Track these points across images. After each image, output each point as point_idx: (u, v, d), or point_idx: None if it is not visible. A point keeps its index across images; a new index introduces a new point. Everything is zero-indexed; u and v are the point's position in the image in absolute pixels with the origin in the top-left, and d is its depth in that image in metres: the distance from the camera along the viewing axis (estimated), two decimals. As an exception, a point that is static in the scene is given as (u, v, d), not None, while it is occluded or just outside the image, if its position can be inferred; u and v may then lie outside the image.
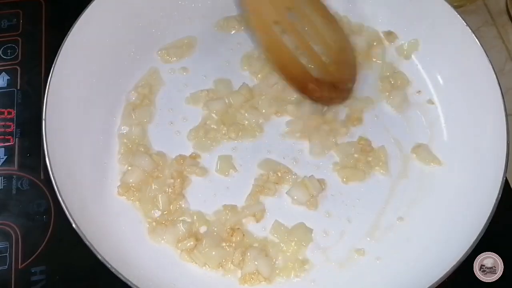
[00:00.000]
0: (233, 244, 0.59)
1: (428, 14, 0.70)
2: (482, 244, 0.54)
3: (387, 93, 0.71)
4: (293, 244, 0.59)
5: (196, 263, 0.58)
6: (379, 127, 0.69)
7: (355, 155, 0.66)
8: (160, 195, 0.61)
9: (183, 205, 0.61)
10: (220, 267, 0.58)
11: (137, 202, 0.61)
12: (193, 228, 0.60)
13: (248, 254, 0.58)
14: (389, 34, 0.74)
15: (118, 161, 0.64)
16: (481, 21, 0.86)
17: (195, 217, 0.61)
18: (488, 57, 0.64)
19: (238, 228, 0.60)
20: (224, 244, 0.59)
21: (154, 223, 0.60)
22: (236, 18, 0.75)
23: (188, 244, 0.58)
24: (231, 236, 0.59)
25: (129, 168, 0.63)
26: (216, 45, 0.73)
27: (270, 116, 0.68)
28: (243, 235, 0.60)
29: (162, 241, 0.59)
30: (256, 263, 0.57)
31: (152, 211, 0.61)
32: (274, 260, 0.59)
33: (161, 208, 0.61)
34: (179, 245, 0.58)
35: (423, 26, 0.72)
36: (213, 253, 0.58)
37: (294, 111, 0.68)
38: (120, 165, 0.63)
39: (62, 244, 0.61)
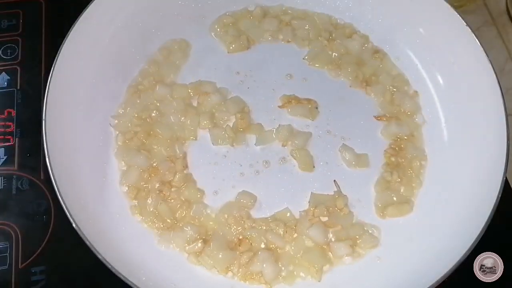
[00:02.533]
0: (240, 252, 0.59)
1: (428, 14, 0.70)
2: (482, 244, 0.54)
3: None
4: (306, 263, 0.59)
5: (204, 266, 0.58)
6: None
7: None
8: (160, 206, 0.60)
9: (189, 209, 0.61)
10: (229, 271, 0.58)
11: (140, 216, 0.61)
12: (201, 231, 0.59)
13: (259, 253, 0.58)
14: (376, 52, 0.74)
15: (114, 156, 0.63)
16: (481, 21, 0.86)
17: (202, 220, 0.60)
18: (488, 57, 0.64)
19: (247, 239, 0.59)
20: (231, 248, 0.59)
21: (161, 230, 0.60)
22: (231, 15, 0.75)
23: (196, 247, 0.58)
24: (239, 245, 0.59)
25: (127, 168, 0.62)
26: (215, 45, 0.73)
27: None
28: (251, 244, 0.59)
29: (171, 246, 0.59)
30: (264, 265, 0.57)
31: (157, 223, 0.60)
32: (282, 269, 0.58)
33: (166, 219, 0.60)
34: (187, 248, 0.58)
35: (423, 26, 0.72)
36: (220, 255, 0.57)
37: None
38: (117, 160, 0.63)
39: (62, 244, 0.61)
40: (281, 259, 0.59)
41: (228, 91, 0.69)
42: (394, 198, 0.63)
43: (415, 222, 0.62)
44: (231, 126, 0.66)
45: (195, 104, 0.68)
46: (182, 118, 0.66)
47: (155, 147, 0.64)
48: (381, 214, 0.62)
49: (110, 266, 0.51)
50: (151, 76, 0.69)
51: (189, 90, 0.68)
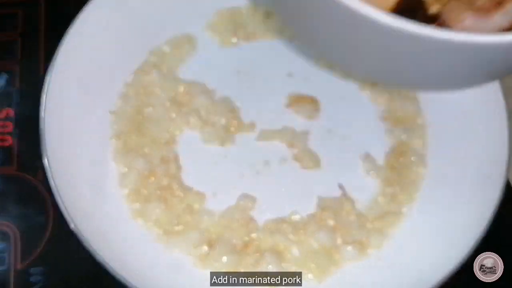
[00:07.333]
0: (248, 253, 0.58)
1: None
2: (482, 244, 0.54)
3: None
4: (311, 264, 0.58)
5: (210, 269, 0.57)
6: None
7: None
8: (162, 212, 0.60)
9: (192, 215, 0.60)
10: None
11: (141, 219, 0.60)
12: (206, 235, 0.59)
13: (266, 254, 0.58)
14: None
15: (113, 158, 0.63)
16: (480, 22, 0.85)
17: (206, 223, 0.60)
18: (488, 57, 0.64)
19: (255, 241, 0.59)
20: (238, 251, 0.58)
21: (164, 234, 0.59)
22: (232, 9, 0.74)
23: (202, 251, 0.57)
24: (246, 248, 0.59)
25: (126, 171, 0.62)
26: (215, 44, 0.73)
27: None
28: (258, 246, 0.59)
29: (176, 250, 0.58)
30: (269, 266, 0.57)
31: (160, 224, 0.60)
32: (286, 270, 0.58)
33: (169, 223, 0.60)
34: (192, 252, 0.58)
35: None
36: (226, 258, 0.57)
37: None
38: (116, 163, 0.63)
39: (61, 245, 0.60)
40: (286, 260, 0.59)
41: (215, 92, 0.68)
42: (386, 210, 0.62)
43: (416, 223, 0.62)
44: (224, 125, 0.66)
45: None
46: (174, 115, 0.66)
47: (147, 148, 0.63)
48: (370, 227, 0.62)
49: (109, 267, 0.50)
50: (151, 63, 0.69)
51: (180, 87, 0.68)
